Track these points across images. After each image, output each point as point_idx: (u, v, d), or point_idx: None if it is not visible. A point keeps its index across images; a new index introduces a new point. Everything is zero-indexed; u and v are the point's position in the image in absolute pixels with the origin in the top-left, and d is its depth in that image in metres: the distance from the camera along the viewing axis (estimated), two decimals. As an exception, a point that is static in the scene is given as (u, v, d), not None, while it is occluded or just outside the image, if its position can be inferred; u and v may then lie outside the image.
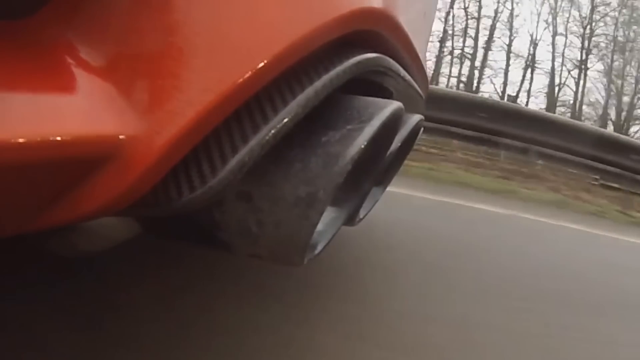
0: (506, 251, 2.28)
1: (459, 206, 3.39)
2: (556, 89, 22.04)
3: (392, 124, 0.59)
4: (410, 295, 1.39)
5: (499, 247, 2.34)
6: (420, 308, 1.30)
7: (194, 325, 0.94)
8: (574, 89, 21.84)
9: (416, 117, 0.93)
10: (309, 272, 1.32)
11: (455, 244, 2.14)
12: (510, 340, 1.23)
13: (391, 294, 1.37)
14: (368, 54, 0.56)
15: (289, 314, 1.08)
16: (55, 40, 0.41)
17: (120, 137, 0.40)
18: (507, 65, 22.26)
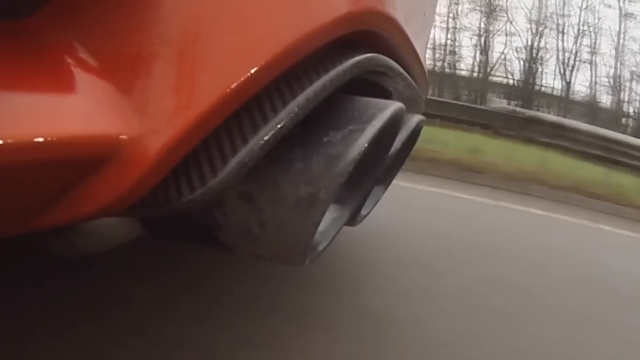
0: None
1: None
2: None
3: (393, 125, 0.59)
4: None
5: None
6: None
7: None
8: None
9: (417, 118, 0.93)
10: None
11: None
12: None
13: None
14: (368, 55, 0.55)
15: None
16: (56, 41, 0.41)
17: (120, 137, 0.40)
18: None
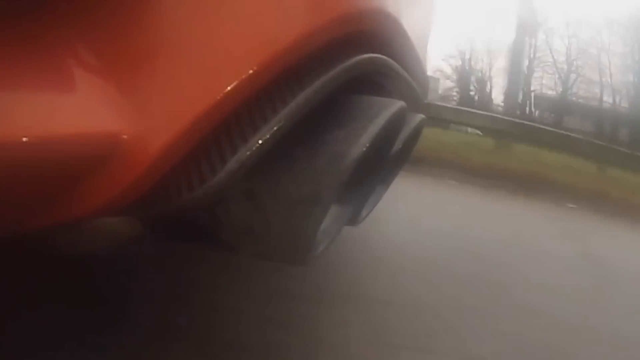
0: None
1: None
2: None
3: (395, 123, 0.59)
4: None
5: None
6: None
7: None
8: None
9: (418, 117, 0.93)
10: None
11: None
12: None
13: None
14: (368, 55, 0.55)
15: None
16: (57, 40, 0.41)
17: (120, 136, 0.40)
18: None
